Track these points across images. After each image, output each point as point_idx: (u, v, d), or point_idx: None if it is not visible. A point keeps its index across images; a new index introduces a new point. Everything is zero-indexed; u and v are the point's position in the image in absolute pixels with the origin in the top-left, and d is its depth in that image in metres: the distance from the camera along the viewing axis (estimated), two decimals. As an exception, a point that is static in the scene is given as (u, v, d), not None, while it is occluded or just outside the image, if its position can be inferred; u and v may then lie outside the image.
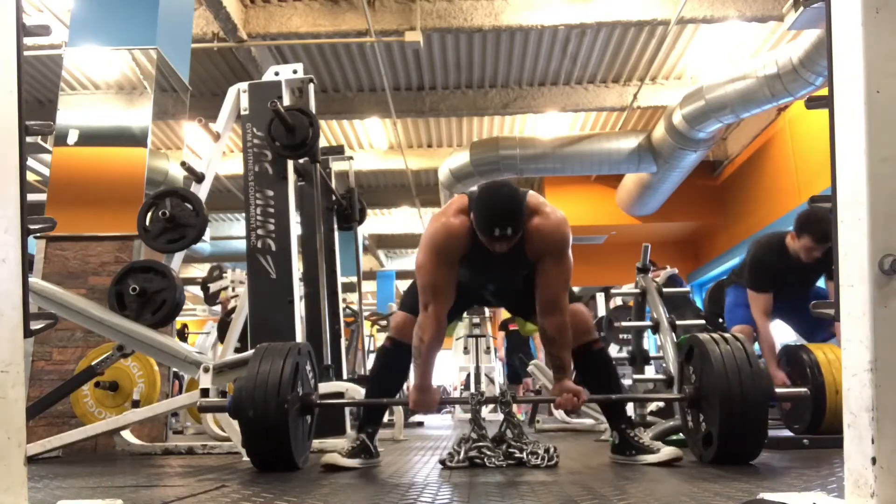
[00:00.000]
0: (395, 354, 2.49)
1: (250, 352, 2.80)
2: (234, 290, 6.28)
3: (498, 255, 2.26)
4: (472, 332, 8.52)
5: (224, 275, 6.39)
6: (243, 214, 3.56)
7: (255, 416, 2.19)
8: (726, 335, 2.35)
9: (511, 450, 2.35)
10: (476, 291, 2.57)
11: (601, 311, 7.66)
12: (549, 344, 2.37)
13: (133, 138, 4.09)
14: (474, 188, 2.36)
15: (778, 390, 2.32)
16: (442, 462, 2.38)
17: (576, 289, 8.94)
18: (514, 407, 2.48)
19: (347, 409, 3.77)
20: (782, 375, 3.44)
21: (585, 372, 2.53)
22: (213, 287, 6.35)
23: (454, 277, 2.32)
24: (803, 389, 2.54)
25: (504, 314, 10.50)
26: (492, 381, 8.43)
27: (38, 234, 3.86)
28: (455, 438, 2.48)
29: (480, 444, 2.36)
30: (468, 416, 2.51)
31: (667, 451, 2.31)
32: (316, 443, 3.32)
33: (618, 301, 7.63)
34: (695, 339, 2.39)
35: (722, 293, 4.30)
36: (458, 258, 2.30)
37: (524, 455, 2.33)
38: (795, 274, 3.53)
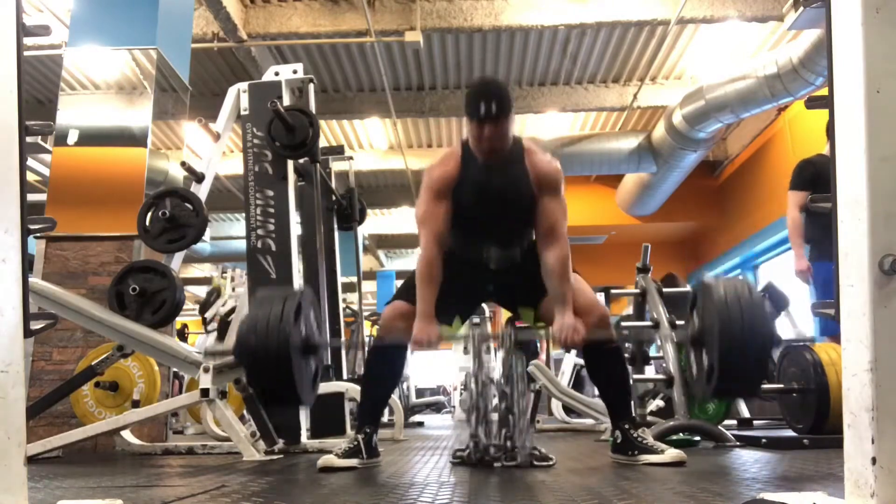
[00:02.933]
0: (384, 352, 2.49)
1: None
2: (234, 289, 6.29)
3: (497, 178, 2.36)
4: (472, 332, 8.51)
5: (223, 276, 6.38)
6: (243, 214, 3.56)
7: (257, 351, 2.19)
8: (732, 277, 2.31)
9: (511, 451, 2.33)
10: (479, 281, 2.52)
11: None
12: (549, 275, 2.38)
13: (133, 138, 4.09)
14: None
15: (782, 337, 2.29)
16: (454, 459, 2.38)
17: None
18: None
19: (348, 409, 3.77)
20: (804, 263, 3.74)
21: (599, 371, 2.50)
22: (209, 315, 6.34)
23: (446, 207, 2.40)
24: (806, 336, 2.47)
25: (507, 312, 10.45)
26: (492, 381, 8.41)
27: (38, 234, 3.86)
28: (458, 437, 2.47)
29: (485, 445, 2.36)
30: (467, 417, 2.49)
31: (671, 453, 2.28)
32: (316, 443, 3.33)
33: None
34: (699, 284, 2.36)
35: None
36: (451, 184, 2.39)
37: (519, 457, 2.30)
38: None
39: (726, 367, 2.11)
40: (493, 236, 2.49)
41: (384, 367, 2.52)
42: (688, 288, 4.98)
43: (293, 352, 2.20)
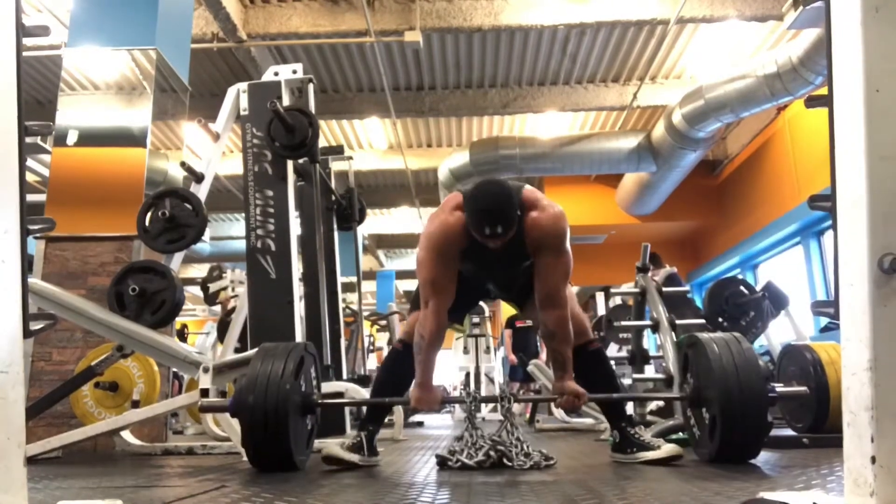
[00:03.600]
0: (406, 356, 2.46)
1: (250, 352, 2.80)
2: (233, 290, 6.28)
3: (497, 250, 2.28)
4: (471, 332, 8.51)
5: (224, 275, 6.39)
6: (243, 215, 3.56)
7: (255, 415, 2.19)
8: (724, 334, 2.35)
9: (504, 459, 2.31)
10: (479, 286, 2.56)
11: (601, 311, 7.66)
12: (550, 339, 2.37)
13: (133, 138, 4.09)
14: (469, 185, 2.35)
15: (778, 388, 2.31)
16: (441, 463, 2.35)
17: (574, 288, 8.92)
18: (520, 408, 2.45)
19: (347, 410, 3.77)
20: None
21: (584, 372, 2.50)
22: (212, 287, 6.36)
23: (453, 274, 2.34)
24: (803, 388, 2.54)
25: (507, 310, 10.47)
26: (492, 380, 8.43)
27: (38, 235, 3.86)
28: (452, 438, 2.46)
29: (474, 448, 2.34)
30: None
31: (668, 448, 2.31)
32: (316, 443, 3.32)
33: (617, 300, 7.64)
34: (692, 339, 2.40)
35: (722, 292, 4.30)
36: (456, 254, 2.33)
37: (514, 463, 2.29)
38: None
39: (728, 431, 2.15)
40: (495, 286, 2.54)
41: (401, 372, 2.50)
42: (686, 287, 4.98)
43: (291, 411, 2.22)
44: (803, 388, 2.54)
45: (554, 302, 2.34)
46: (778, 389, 2.28)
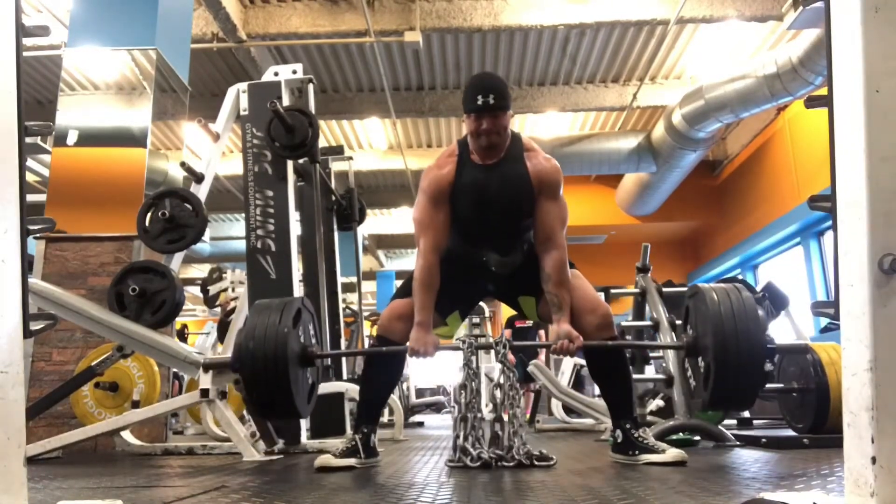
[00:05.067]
0: (383, 352, 2.46)
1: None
2: (233, 290, 6.28)
3: (496, 180, 2.34)
4: (471, 332, 8.50)
5: (224, 276, 6.39)
6: (243, 215, 3.56)
7: (255, 363, 2.18)
8: (725, 284, 2.33)
9: (504, 459, 2.31)
10: (477, 264, 2.50)
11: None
12: (546, 281, 2.38)
13: (133, 139, 4.09)
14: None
15: (778, 342, 2.28)
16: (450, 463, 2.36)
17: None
18: (520, 409, 2.45)
19: (348, 410, 3.77)
20: None
21: (599, 367, 2.48)
22: (212, 289, 6.36)
23: (445, 214, 2.40)
24: (802, 342, 2.51)
25: (507, 311, 10.46)
26: (491, 380, 8.42)
27: (38, 235, 3.86)
28: (454, 432, 2.46)
29: (477, 447, 2.34)
30: (454, 426, 2.48)
31: (673, 453, 2.27)
32: (316, 443, 3.33)
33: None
34: (693, 288, 2.38)
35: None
36: (447, 191, 2.38)
37: (514, 457, 2.28)
38: None
39: (722, 377, 2.12)
40: (493, 242, 2.48)
41: (382, 368, 2.50)
42: (686, 287, 4.98)
43: (291, 359, 2.19)
44: (802, 343, 2.50)
45: (550, 243, 2.38)
46: (777, 342, 2.25)
